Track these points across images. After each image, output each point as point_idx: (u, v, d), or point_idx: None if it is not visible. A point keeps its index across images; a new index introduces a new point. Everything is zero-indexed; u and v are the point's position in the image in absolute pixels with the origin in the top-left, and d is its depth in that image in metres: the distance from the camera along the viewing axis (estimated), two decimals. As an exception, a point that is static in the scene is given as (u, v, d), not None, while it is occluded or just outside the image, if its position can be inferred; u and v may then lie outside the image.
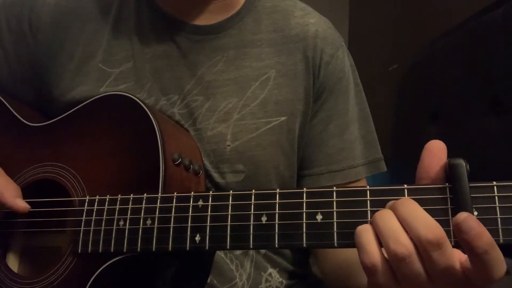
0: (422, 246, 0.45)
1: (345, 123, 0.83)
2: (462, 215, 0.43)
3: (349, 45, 2.66)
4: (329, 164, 0.82)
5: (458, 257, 0.45)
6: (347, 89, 0.85)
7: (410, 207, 0.47)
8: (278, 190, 0.55)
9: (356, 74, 0.88)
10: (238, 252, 0.80)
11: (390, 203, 0.49)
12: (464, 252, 0.45)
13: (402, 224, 0.46)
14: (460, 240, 0.44)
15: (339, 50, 0.84)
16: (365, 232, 0.48)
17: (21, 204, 0.69)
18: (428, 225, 0.45)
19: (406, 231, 0.46)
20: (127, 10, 0.82)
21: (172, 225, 0.59)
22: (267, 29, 0.82)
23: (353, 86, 0.86)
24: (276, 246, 0.53)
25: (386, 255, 0.46)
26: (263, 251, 0.82)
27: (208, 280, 0.77)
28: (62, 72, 0.81)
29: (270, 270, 0.83)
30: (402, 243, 0.45)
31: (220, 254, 0.78)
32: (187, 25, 0.80)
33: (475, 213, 0.47)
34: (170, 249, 0.58)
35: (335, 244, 0.51)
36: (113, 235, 0.62)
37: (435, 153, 0.50)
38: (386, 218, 0.47)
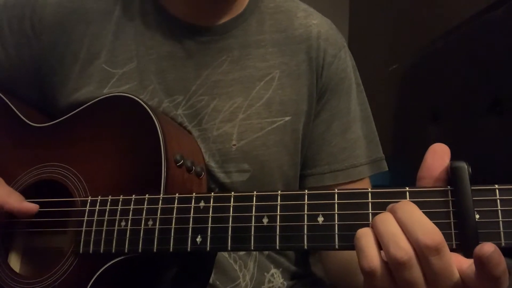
0: (420, 251, 0.45)
1: (347, 123, 0.84)
2: (489, 249, 0.42)
3: (349, 45, 2.64)
4: (332, 163, 0.83)
5: (458, 263, 0.46)
6: (350, 89, 0.85)
7: (409, 210, 0.47)
8: (279, 192, 0.55)
9: (357, 75, 0.88)
10: (242, 252, 0.80)
11: (390, 205, 0.49)
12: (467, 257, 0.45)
13: (401, 228, 0.46)
14: (478, 267, 0.43)
15: (341, 50, 0.85)
16: (365, 236, 0.48)
17: (29, 205, 0.70)
18: (426, 230, 0.45)
19: (405, 235, 0.46)
20: (131, 11, 0.82)
21: (173, 226, 0.59)
22: (270, 29, 0.83)
23: (355, 86, 0.87)
24: (277, 247, 0.53)
25: (385, 259, 0.47)
26: (266, 251, 0.83)
27: (211, 280, 0.77)
28: (68, 74, 0.81)
29: (273, 270, 0.83)
30: (402, 248, 0.45)
31: (224, 254, 0.78)
32: (193, 27, 0.80)
33: (477, 216, 0.47)
34: (171, 250, 0.58)
35: (336, 247, 0.51)
36: (115, 236, 0.62)
37: (439, 154, 0.50)
38: (386, 221, 0.47)
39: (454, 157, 0.50)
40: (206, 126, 0.78)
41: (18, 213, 0.70)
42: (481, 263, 0.42)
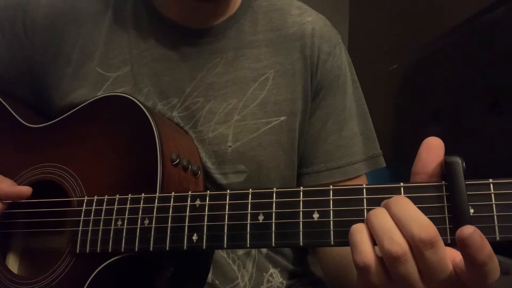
0: (415, 245, 0.45)
1: (343, 120, 0.83)
2: (468, 231, 0.42)
3: (349, 45, 2.66)
4: (328, 161, 0.82)
5: (452, 256, 0.46)
6: (345, 86, 0.85)
7: (403, 205, 0.47)
8: (274, 189, 0.55)
9: (353, 71, 0.88)
10: (240, 252, 0.80)
11: (385, 201, 0.49)
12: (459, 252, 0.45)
13: (395, 223, 0.46)
14: (462, 252, 0.43)
15: (336, 47, 0.84)
16: (359, 231, 0.47)
17: (21, 188, 0.71)
18: (421, 224, 0.45)
19: (400, 230, 0.46)
20: (124, 13, 0.82)
21: (169, 224, 0.59)
22: (264, 28, 0.82)
23: (351, 83, 0.86)
24: (273, 245, 0.53)
25: (379, 254, 0.46)
26: (264, 250, 0.82)
27: (210, 280, 0.77)
28: (61, 76, 0.80)
29: (272, 270, 0.83)
30: (397, 242, 0.45)
31: (222, 254, 0.78)
32: (187, 29, 0.80)
33: (471, 210, 0.46)
34: (167, 248, 0.58)
35: (332, 243, 0.51)
36: (111, 235, 0.62)
37: (433, 148, 0.50)
38: (381, 216, 0.47)
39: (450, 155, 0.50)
40: (202, 128, 0.78)
41: (12, 197, 0.70)
42: (463, 246, 0.42)
